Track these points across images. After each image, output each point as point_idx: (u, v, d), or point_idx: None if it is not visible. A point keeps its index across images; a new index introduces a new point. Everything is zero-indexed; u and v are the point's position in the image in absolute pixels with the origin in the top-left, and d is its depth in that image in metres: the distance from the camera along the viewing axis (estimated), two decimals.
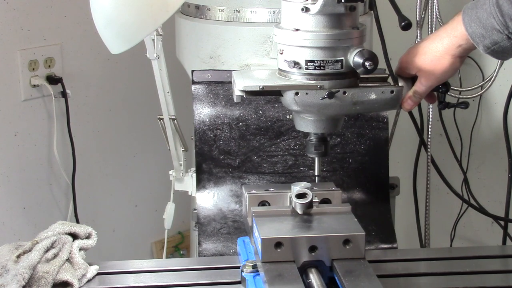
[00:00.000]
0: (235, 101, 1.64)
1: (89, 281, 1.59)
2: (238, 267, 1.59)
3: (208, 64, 2.01)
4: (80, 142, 2.82)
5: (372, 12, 1.66)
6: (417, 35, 2.33)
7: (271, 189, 1.73)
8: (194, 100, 1.95)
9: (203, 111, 1.95)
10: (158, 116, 2.03)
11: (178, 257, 3.23)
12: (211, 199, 1.90)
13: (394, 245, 1.87)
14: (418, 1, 2.29)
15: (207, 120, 1.94)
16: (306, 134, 1.71)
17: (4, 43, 2.57)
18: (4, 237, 2.64)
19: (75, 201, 2.81)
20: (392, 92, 1.64)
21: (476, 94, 2.52)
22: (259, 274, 1.53)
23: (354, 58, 1.57)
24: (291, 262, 1.51)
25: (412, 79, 1.67)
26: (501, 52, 1.51)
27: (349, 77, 1.61)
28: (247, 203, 1.70)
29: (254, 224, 1.59)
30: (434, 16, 2.34)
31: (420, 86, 1.64)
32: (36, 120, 2.71)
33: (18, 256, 1.57)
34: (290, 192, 1.65)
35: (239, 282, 1.57)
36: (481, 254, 1.73)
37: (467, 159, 2.82)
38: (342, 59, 1.59)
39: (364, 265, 1.51)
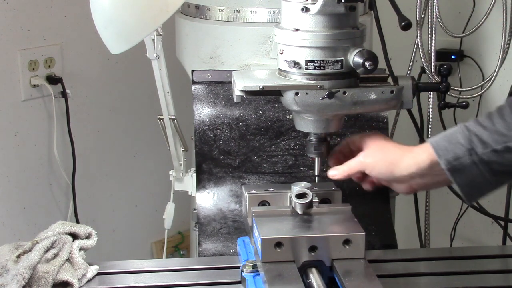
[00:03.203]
0: (235, 101, 1.64)
1: (89, 281, 1.59)
2: (238, 267, 1.59)
3: (208, 64, 2.01)
4: (80, 142, 2.82)
5: (372, 12, 1.66)
6: (417, 35, 2.33)
7: (271, 189, 1.73)
8: (194, 100, 1.95)
9: (203, 111, 1.95)
10: (158, 116, 2.03)
11: (178, 257, 3.23)
12: (211, 199, 1.90)
13: (394, 245, 1.87)
14: (418, 1, 2.29)
15: (207, 120, 1.94)
16: (306, 134, 1.71)
17: (4, 43, 2.58)
18: (4, 237, 2.64)
19: (75, 201, 2.81)
20: (392, 92, 1.64)
21: (476, 94, 2.52)
22: (259, 274, 1.53)
23: (354, 58, 1.57)
24: (291, 262, 1.51)
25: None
26: (460, 171, 1.47)
27: (349, 77, 1.61)
28: (247, 203, 1.70)
29: (254, 224, 1.59)
30: (434, 16, 2.34)
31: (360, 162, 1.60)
32: (36, 120, 2.71)
33: (18, 256, 1.57)
34: (290, 192, 1.65)
35: (239, 282, 1.57)
36: (481, 254, 1.73)
37: None
38: (342, 59, 1.59)
39: (364, 265, 1.51)
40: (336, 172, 1.63)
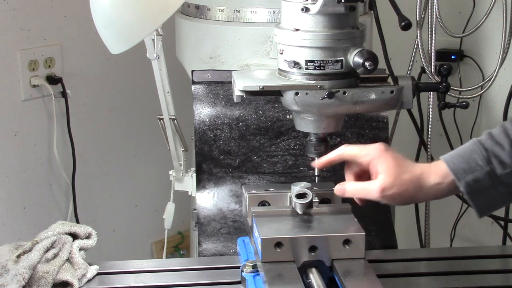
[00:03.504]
0: (235, 101, 1.65)
1: (89, 281, 1.59)
2: (238, 267, 1.59)
3: (208, 64, 2.01)
4: (80, 142, 2.82)
5: (372, 12, 1.66)
6: (417, 35, 2.33)
7: (271, 189, 1.73)
8: (194, 100, 1.95)
9: (203, 111, 1.95)
10: (158, 116, 2.03)
11: (178, 257, 3.23)
12: (211, 199, 1.90)
13: (394, 245, 1.87)
14: (418, 1, 2.29)
15: (207, 120, 1.94)
16: (306, 134, 1.71)
17: (4, 43, 2.57)
18: (4, 237, 2.64)
19: (75, 201, 2.81)
20: (392, 92, 1.64)
21: (476, 94, 2.52)
22: (259, 274, 1.53)
23: (354, 58, 1.57)
24: (291, 262, 1.51)
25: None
26: (479, 194, 1.44)
27: (349, 77, 1.61)
28: (247, 203, 1.70)
29: (254, 224, 1.59)
30: (434, 16, 2.34)
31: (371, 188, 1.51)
32: (36, 120, 2.71)
33: (18, 256, 1.57)
34: (290, 192, 1.65)
35: (239, 282, 1.57)
36: (481, 254, 1.73)
37: None
38: (342, 59, 1.59)
39: (364, 265, 1.51)
40: (347, 190, 1.56)
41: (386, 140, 1.98)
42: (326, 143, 1.69)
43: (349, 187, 1.55)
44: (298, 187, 1.62)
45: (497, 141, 1.44)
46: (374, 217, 1.83)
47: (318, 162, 1.63)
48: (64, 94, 2.72)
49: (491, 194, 1.44)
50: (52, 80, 2.69)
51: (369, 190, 1.50)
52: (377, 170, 1.50)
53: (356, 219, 1.60)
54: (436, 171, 1.48)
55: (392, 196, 1.49)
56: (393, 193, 1.48)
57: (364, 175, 1.56)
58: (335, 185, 1.71)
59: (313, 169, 1.71)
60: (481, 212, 1.48)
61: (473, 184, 1.43)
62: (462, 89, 2.59)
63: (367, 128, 1.95)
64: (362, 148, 1.56)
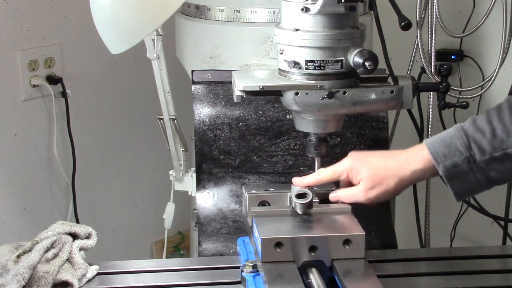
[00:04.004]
0: (235, 101, 1.65)
1: (89, 281, 1.58)
2: (238, 267, 1.59)
3: (208, 64, 2.01)
4: (80, 142, 2.82)
5: (372, 12, 1.66)
6: (417, 35, 2.33)
7: (271, 189, 1.73)
8: (194, 100, 1.95)
9: (203, 111, 1.95)
10: (158, 116, 2.03)
11: (178, 257, 3.23)
12: (211, 199, 1.90)
13: (394, 245, 1.87)
14: (418, 1, 2.29)
15: (207, 120, 1.94)
16: (306, 134, 1.71)
17: (4, 43, 2.57)
18: (4, 237, 2.64)
19: (75, 201, 2.81)
20: (392, 92, 1.64)
21: (476, 94, 2.52)
22: (259, 274, 1.53)
23: (354, 58, 1.57)
24: (291, 262, 1.51)
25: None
26: (457, 178, 1.47)
27: (349, 77, 1.61)
28: (247, 203, 1.70)
29: (254, 224, 1.59)
30: (434, 16, 2.34)
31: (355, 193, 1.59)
32: (36, 120, 2.71)
33: (18, 256, 1.57)
34: (290, 192, 1.65)
35: (239, 282, 1.57)
36: (481, 254, 1.73)
37: None
38: (342, 59, 1.59)
39: (364, 265, 1.51)
40: (340, 197, 1.64)
41: (386, 140, 1.98)
42: (326, 143, 1.69)
43: (341, 194, 1.63)
44: (298, 187, 1.62)
45: (479, 127, 1.46)
46: (374, 217, 1.83)
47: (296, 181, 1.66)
48: (64, 94, 2.72)
49: (469, 180, 1.47)
50: (52, 80, 2.69)
51: (356, 195, 1.59)
52: (356, 180, 1.59)
53: (356, 219, 1.60)
54: (416, 158, 1.52)
55: (377, 196, 1.57)
56: (377, 193, 1.56)
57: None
58: (335, 185, 1.71)
59: (313, 169, 1.71)
60: (458, 196, 1.51)
61: (451, 168, 1.47)
62: (462, 89, 2.59)
63: (367, 128, 1.95)
64: (335, 168, 1.63)
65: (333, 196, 1.64)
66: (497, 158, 1.44)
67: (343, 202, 1.64)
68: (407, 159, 1.53)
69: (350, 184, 1.62)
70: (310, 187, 1.63)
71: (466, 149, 1.45)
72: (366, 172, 1.57)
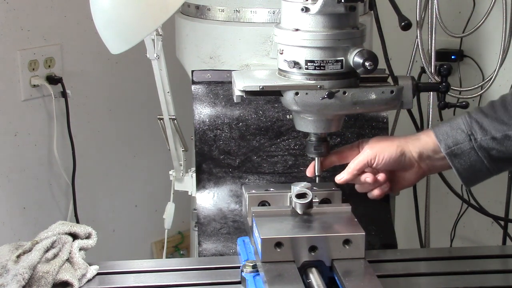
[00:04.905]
0: (235, 101, 1.65)
1: (89, 281, 1.58)
2: (238, 267, 1.59)
3: (208, 64, 2.01)
4: (80, 142, 2.82)
5: (372, 12, 1.66)
6: (417, 35, 2.33)
7: (271, 189, 1.73)
8: (194, 100, 1.95)
9: (203, 111, 1.95)
10: (158, 116, 2.03)
11: (178, 257, 3.23)
12: (211, 199, 1.90)
13: (394, 245, 1.87)
14: (418, 1, 2.29)
15: (207, 120, 1.94)
16: (306, 134, 1.71)
17: (4, 43, 2.58)
18: (4, 237, 2.64)
19: (75, 201, 2.81)
20: (392, 92, 1.64)
21: (476, 94, 2.52)
22: (259, 274, 1.53)
23: (354, 58, 1.57)
24: (291, 262, 1.51)
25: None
26: (458, 156, 1.51)
27: (349, 77, 1.61)
28: (247, 203, 1.70)
29: (254, 224, 1.59)
30: (434, 16, 2.34)
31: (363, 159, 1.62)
32: (36, 120, 2.71)
33: (18, 256, 1.57)
34: (290, 192, 1.65)
35: (239, 282, 1.57)
36: (481, 254, 1.73)
37: None
38: (342, 59, 1.59)
39: (364, 265, 1.51)
40: (343, 174, 1.64)
41: None
42: (326, 143, 1.69)
43: (346, 169, 1.64)
44: (298, 187, 1.62)
45: (482, 110, 1.53)
46: (374, 217, 1.83)
47: (342, 180, 1.67)
48: (64, 94, 2.73)
49: (470, 158, 1.51)
50: (52, 80, 2.69)
51: (360, 156, 1.61)
52: (366, 142, 1.65)
53: (356, 219, 1.60)
54: (423, 133, 1.59)
55: (382, 148, 1.59)
56: (381, 146, 1.59)
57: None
58: (335, 185, 1.71)
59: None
60: (464, 178, 1.54)
61: (452, 145, 1.51)
62: (462, 89, 2.59)
63: (367, 128, 1.95)
64: (363, 150, 1.64)
65: (337, 177, 1.65)
66: (497, 139, 1.48)
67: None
68: (413, 136, 1.60)
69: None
70: (310, 187, 1.62)
71: (467, 127, 1.50)
72: (377, 136, 1.66)
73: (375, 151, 1.60)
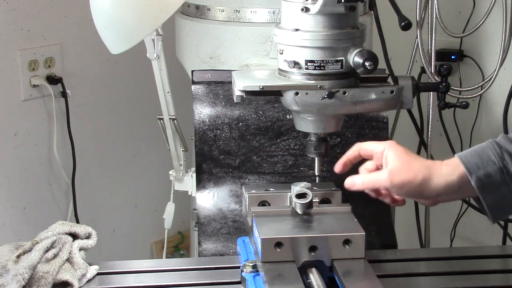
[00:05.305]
0: (235, 101, 1.65)
1: (89, 281, 1.59)
2: (238, 267, 1.59)
3: (208, 64, 2.01)
4: (80, 142, 2.82)
5: (372, 12, 1.66)
6: (417, 35, 2.33)
7: (271, 189, 1.73)
8: (194, 100, 1.95)
9: (203, 111, 1.95)
10: (158, 116, 2.03)
11: (178, 257, 3.23)
12: (211, 199, 1.90)
13: (394, 245, 1.87)
14: (418, 1, 2.29)
15: (207, 120, 1.94)
16: (306, 134, 1.71)
17: (4, 43, 2.57)
18: (4, 237, 2.64)
19: (75, 201, 2.81)
20: (392, 92, 1.64)
21: (476, 94, 2.52)
22: (259, 274, 1.53)
23: (354, 58, 1.57)
24: (291, 262, 1.51)
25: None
26: (490, 189, 1.43)
27: (349, 77, 1.61)
28: (247, 203, 1.70)
29: (254, 224, 1.59)
30: (434, 16, 2.34)
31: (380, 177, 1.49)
32: (36, 120, 2.71)
33: (18, 256, 1.57)
34: (290, 192, 1.65)
35: (239, 282, 1.57)
36: (481, 254, 1.73)
37: None
38: (342, 59, 1.59)
39: (364, 265, 1.51)
40: (356, 182, 1.53)
41: (386, 140, 1.98)
42: (326, 143, 1.69)
43: (359, 178, 1.53)
44: (298, 187, 1.62)
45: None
46: (374, 217, 1.83)
47: (337, 167, 1.59)
48: (64, 94, 2.72)
49: (501, 191, 1.43)
50: (52, 80, 2.69)
51: (378, 178, 1.49)
52: (387, 160, 1.49)
53: (356, 219, 1.60)
54: (448, 163, 1.47)
55: (402, 183, 1.46)
56: (402, 179, 1.46)
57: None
58: (335, 185, 1.71)
59: (313, 169, 1.71)
60: (492, 212, 1.46)
61: (484, 178, 1.42)
62: (462, 89, 2.59)
63: (367, 128, 1.95)
64: (375, 142, 1.55)
65: (348, 182, 1.53)
66: None
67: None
68: (441, 164, 1.48)
69: (376, 169, 1.54)
70: (310, 187, 1.62)
71: (499, 159, 1.42)
72: (402, 156, 1.48)
73: (395, 185, 1.48)
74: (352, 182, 1.53)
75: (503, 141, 1.45)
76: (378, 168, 1.54)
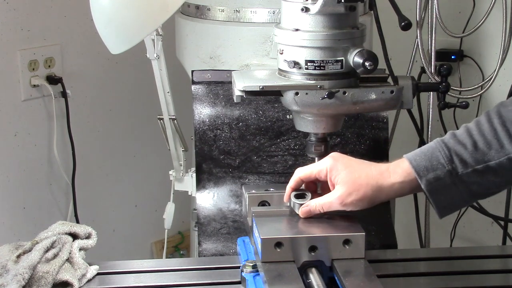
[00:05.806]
0: (235, 101, 1.65)
1: (89, 281, 1.58)
2: (238, 267, 1.59)
3: (208, 64, 2.01)
4: (80, 142, 2.82)
5: (372, 12, 1.66)
6: (417, 35, 2.33)
7: (271, 189, 1.73)
8: (194, 100, 1.95)
9: (203, 111, 1.95)
10: (158, 116, 2.03)
11: (178, 257, 3.23)
12: (211, 199, 1.90)
13: (394, 245, 1.87)
14: (418, 1, 2.29)
15: (207, 120, 1.94)
16: (306, 134, 1.71)
17: (4, 43, 2.58)
18: (4, 237, 2.64)
19: (75, 201, 2.81)
20: (392, 92, 1.64)
21: (476, 94, 2.52)
22: (259, 274, 1.53)
23: (354, 58, 1.57)
24: (291, 262, 1.51)
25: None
26: (439, 191, 1.44)
27: (349, 77, 1.61)
28: (247, 203, 1.70)
29: (254, 224, 1.59)
30: (434, 16, 2.34)
31: (331, 200, 1.52)
32: (36, 120, 2.71)
33: (18, 256, 1.57)
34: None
35: (239, 282, 1.57)
36: (481, 254, 1.73)
37: None
38: (342, 59, 1.59)
39: (364, 265, 1.51)
40: (311, 211, 1.56)
41: (386, 140, 1.98)
42: (326, 143, 1.69)
43: (313, 204, 1.56)
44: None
45: (460, 140, 1.45)
46: (374, 217, 1.83)
47: (285, 199, 1.61)
48: (64, 94, 2.73)
49: (451, 193, 1.45)
50: (52, 80, 2.69)
51: (330, 202, 1.53)
52: (333, 181, 1.52)
53: (356, 219, 1.60)
54: (396, 170, 1.49)
55: (353, 203, 1.50)
56: (352, 200, 1.50)
57: None
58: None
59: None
60: (441, 211, 1.48)
61: (433, 182, 1.44)
62: (462, 89, 2.59)
63: (367, 128, 1.95)
64: (315, 165, 1.57)
65: (304, 211, 1.56)
66: (478, 171, 1.42)
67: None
68: (388, 170, 1.49)
69: (326, 188, 1.56)
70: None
71: (448, 162, 1.43)
72: (347, 176, 1.50)
73: (347, 205, 1.51)
74: (307, 211, 1.57)
75: (451, 141, 1.46)
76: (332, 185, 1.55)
